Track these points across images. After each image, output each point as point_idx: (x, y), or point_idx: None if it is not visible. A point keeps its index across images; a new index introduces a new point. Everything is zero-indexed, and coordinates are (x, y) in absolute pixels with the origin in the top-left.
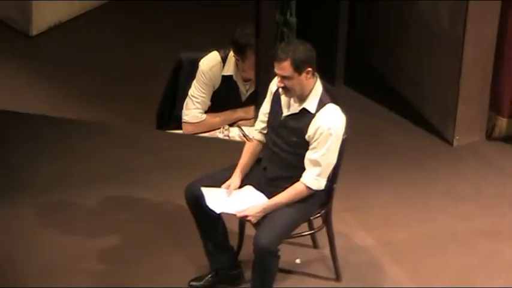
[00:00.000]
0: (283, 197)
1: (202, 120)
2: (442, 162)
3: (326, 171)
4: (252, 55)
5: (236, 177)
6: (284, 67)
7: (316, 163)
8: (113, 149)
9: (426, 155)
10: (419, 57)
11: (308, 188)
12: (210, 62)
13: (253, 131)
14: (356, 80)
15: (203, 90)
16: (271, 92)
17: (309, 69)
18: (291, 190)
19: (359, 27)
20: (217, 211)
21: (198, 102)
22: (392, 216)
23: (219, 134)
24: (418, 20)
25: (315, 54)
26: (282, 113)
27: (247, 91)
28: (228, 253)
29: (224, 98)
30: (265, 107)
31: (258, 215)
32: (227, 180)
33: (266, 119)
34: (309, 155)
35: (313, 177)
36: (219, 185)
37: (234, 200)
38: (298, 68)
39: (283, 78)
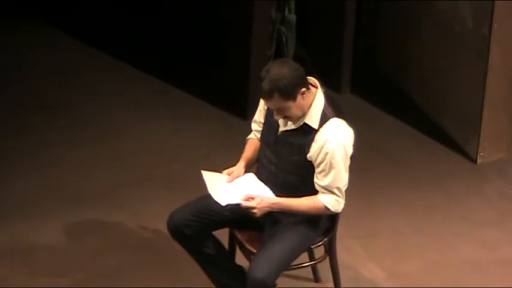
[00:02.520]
0: (297, 203)
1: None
2: (463, 182)
3: (343, 192)
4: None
5: (240, 167)
6: (274, 102)
7: (329, 189)
8: (87, 165)
9: (445, 174)
10: (437, 62)
11: (327, 208)
12: None
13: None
14: (364, 87)
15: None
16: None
17: (303, 89)
18: (308, 201)
19: (367, 28)
20: (223, 203)
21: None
22: (405, 244)
23: None
24: (436, 19)
25: (302, 70)
26: (278, 126)
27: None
28: (243, 278)
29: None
30: (259, 116)
31: (264, 209)
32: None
33: (260, 128)
34: (319, 181)
35: (334, 199)
36: (206, 211)
37: (237, 188)
38: (290, 96)
39: (279, 110)
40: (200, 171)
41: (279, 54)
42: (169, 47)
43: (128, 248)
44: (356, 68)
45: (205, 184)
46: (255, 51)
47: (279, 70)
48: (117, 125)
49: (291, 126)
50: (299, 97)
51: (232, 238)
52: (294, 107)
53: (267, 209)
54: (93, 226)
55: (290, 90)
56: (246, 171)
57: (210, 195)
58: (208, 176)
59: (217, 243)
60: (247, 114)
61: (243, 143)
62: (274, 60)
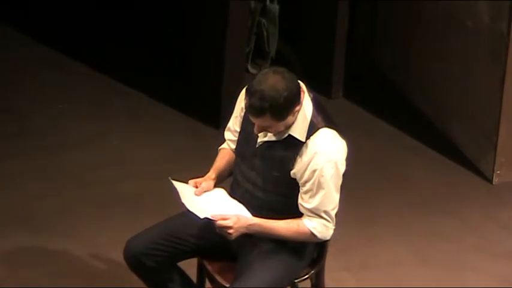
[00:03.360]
0: (278, 226)
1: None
2: (476, 206)
3: (332, 216)
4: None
5: (210, 180)
6: (262, 120)
7: (316, 212)
8: (30, 181)
9: (455, 196)
10: (446, 63)
11: (313, 234)
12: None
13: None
14: (360, 91)
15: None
16: (241, 109)
17: (296, 108)
18: (291, 224)
19: (364, 22)
20: (201, 216)
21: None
22: (407, 278)
23: None
24: (445, 13)
25: (298, 83)
26: (256, 137)
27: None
28: None
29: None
30: (233, 124)
31: (241, 230)
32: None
33: (235, 138)
34: (305, 203)
35: (322, 224)
36: (170, 238)
37: (209, 203)
38: (282, 116)
39: (263, 127)
40: (169, 180)
41: (258, 50)
42: (132, 45)
43: (77, 281)
44: (350, 69)
45: (177, 193)
46: (230, 48)
47: (275, 86)
48: (68, 135)
49: (272, 137)
50: (290, 116)
51: (201, 270)
52: (281, 125)
53: (244, 229)
54: (37, 255)
55: (284, 111)
56: (216, 185)
57: (184, 205)
58: (179, 186)
59: (183, 275)
60: (220, 123)
61: (215, 156)
62: (267, 70)
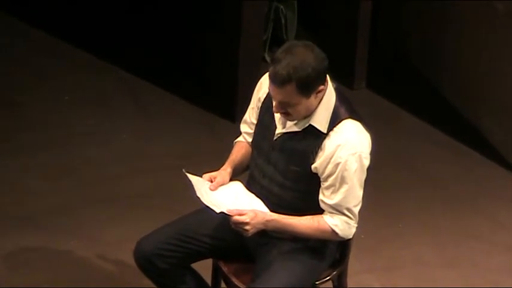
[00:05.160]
0: (298, 223)
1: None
2: (508, 203)
3: (355, 213)
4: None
5: (225, 173)
6: (285, 93)
7: (339, 208)
8: (29, 178)
9: (485, 193)
10: (475, 50)
11: (334, 232)
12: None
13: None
14: (384, 82)
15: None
16: (258, 99)
17: (321, 87)
18: (311, 221)
19: (389, 7)
20: (217, 211)
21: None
22: (436, 280)
23: None
24: None
25: (327, 62)
26: (274, 129)
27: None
28: None
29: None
30: (250, 115)
31: (258, 226)
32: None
33: (252, 131)
34: (326, 199)
35: (344, 221)
36: (183, 238)
37: (225, 197)
38: (307, 92)
39: (284, 104)
40: (183, 173)
41: (276, 38)
42: (142, 36)
43: (83, 282)
44: (374, 58)
45: (192, 187)
46: (246, 35)
47: (303, 53)
48: (71, 127)
49: (291, 128)
50: (313, 96)
51: (216, 271)
52: (302, 105)
53: (261, 226)
54: (40, 255)
55: (310, 85)
56: (231, 179)
57: (199, 200)
58: (193, 179)
59: (197, 277)
60: (236, 116)
61: (231, 150)
62: (295, 42)
